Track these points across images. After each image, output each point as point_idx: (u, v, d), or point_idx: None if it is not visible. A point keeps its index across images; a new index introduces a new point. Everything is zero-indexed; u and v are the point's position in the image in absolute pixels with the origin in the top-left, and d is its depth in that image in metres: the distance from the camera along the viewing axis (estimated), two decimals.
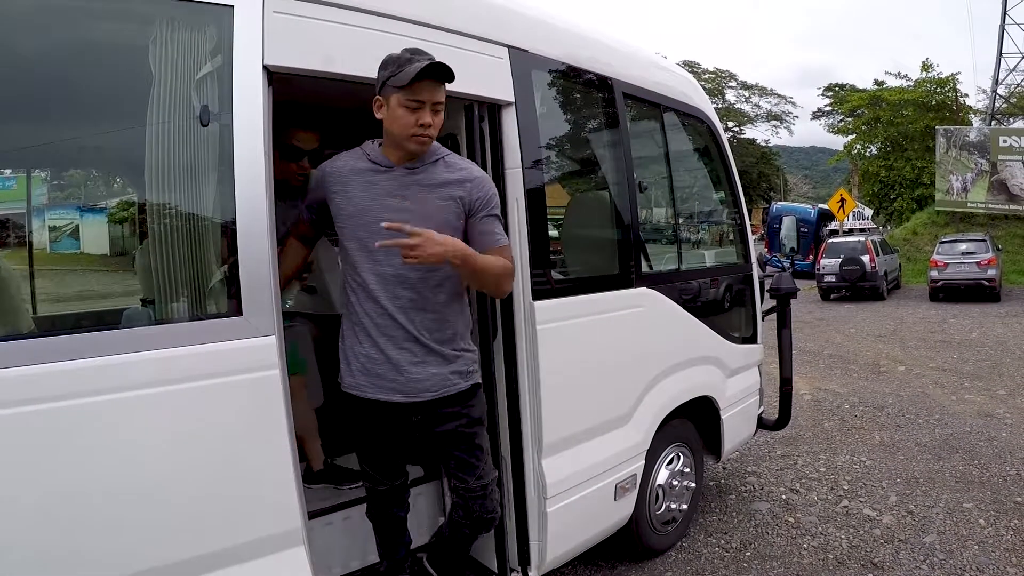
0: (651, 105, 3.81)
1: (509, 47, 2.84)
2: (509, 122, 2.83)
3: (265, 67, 2.10)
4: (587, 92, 3.49)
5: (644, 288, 3.44)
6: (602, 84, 3.38)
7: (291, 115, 2.96)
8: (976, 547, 3.97)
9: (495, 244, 2.35)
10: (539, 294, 2.87)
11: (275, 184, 3.00)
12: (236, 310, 2.01)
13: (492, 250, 2.33)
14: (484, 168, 2.84)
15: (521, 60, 2.88)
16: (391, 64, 2.15)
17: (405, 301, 2.26)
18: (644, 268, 3.49)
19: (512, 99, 2.82)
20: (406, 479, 2.66)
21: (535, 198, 2.89)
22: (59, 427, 1.74)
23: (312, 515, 2.80)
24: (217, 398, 1.96)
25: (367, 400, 2.33)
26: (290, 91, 2.54)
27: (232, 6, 2.06)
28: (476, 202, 2.32)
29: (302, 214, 2.53)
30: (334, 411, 3.37)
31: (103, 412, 1.80)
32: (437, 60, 2.12)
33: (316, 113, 3.12)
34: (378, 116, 2.23)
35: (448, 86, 2.64)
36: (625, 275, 3.37)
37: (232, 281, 2.02)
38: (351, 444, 2.56)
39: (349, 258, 2.31)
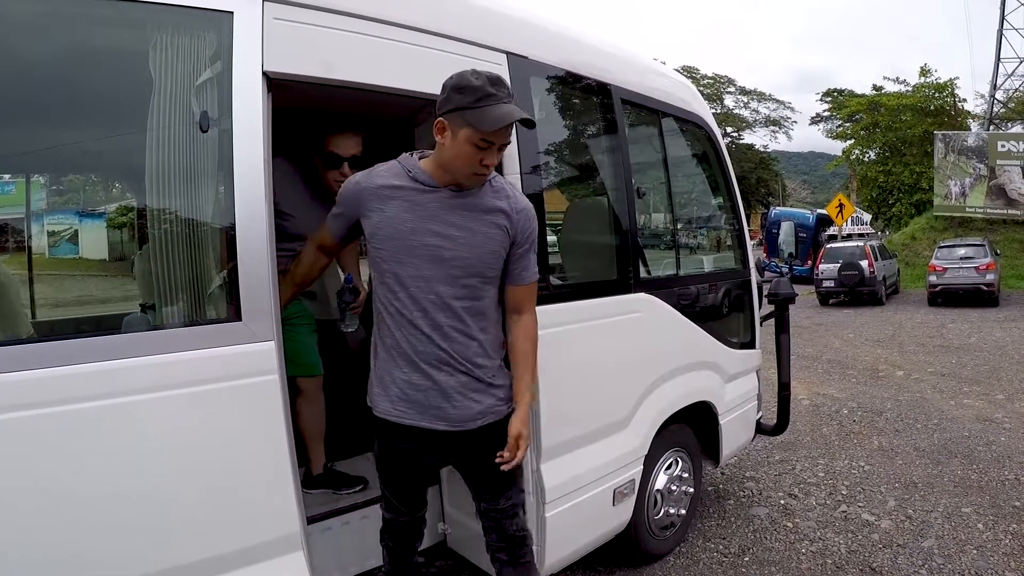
0: (649, 111, 3.82)
1: (507, 53, 2.85)
2: None
3: (264, 73, 2.11)
4: (585, 98, 3.50)
5: (642, 293, 3.44)
6: (600, 90, 3.40)
7: (328, 122, 3.04)
8: (975, 551, 3.98)
9: (528, 281, 2.30)
10: (538, 299, 2.87)
11: (319, 192, 3.10)
12: (235, 315, 2.02)
13: (522, 287, 2.29)
14: None
15: (519, 66, 2.89)
16: (467, 92, 1.98)
17: (448, 328, 2.14)
18: (642, 273, 3.49)
19: None
20: (426, 509, 2.53)
21: (534, 204, 2.85)
22: (58, 432, 1.74)
23: (311, 520, 2.81)
24: (216, 403, 1.97)
25: (405, 427, 2.20)
26: (322, 97, 2.58)
27: (232, 12, 2.07)
28: (521, 234, 2.23)
29: (328, 225, 2.33)
30: (333, 415, 3.38)
31: (102, 417, 1.80)
32: (515, 104, 2.01)
33: (354, 117, 3.09)
34: (438, 139, 2.06)
35: None
36: (623, 280, 3.38)
37: (231, 286, 2.03)
38: (379, 472, 2.40)
39: (384, 281, 2.15)
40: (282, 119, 3.13)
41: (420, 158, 2.17)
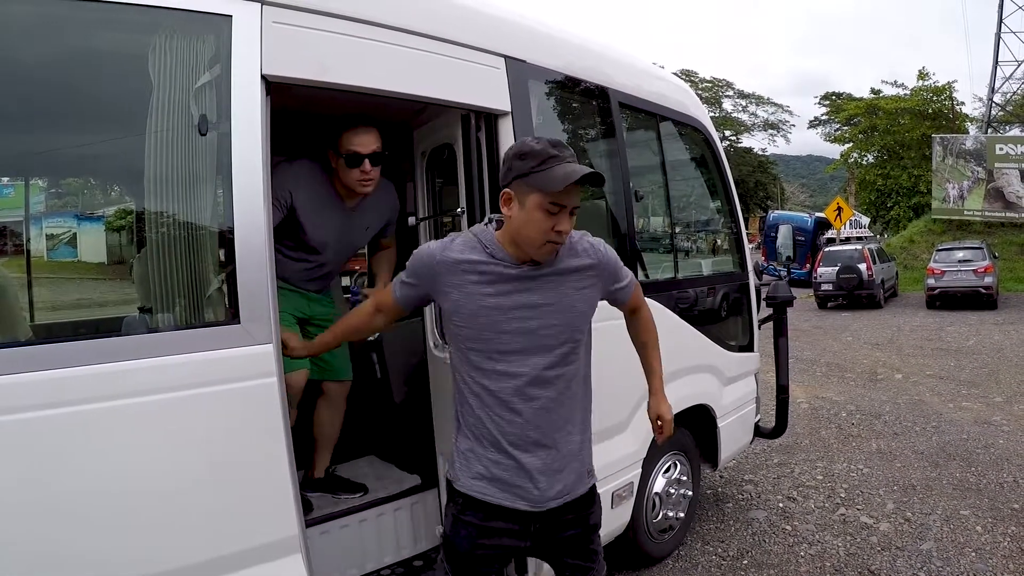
0: (647, 114, 3.83)
1: (505, 57, 2.86)
2: (506, 131, 2.84)
3: (263, 76, 2.12)
4: (583, 101, 3.51)
5: None
6: (598, 93, 3.40)
7: (341, 120, 2.95)
8: (973, 554, 3.98)
9: (630, 296, 2.26)
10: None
11: (336, 194, 3.04)
12: (234, 318, 2.02)
13: (631, 300, 2.27)
14: (480, 178, 2.86)
15: (517, 70, 2.90)
16: (530, 157, 1.87)
17: (542, 401, 2.00)
18: (640, 277, 3.50)
19: (509, 108, 2.84)
20: None
21: None
22: (57, 434, 1.74)
23: (310, 523, 2.81)
24: (214, 405, 1.97)
25: (485, 503, 2.05)
26: (320, 99, 2.58)
27: (231, 16, 2.07)
28: (612, 275, 2.15)
29: (396, 292, 2.14)
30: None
31: (100, 419, 1.80)
32: (580, 163, 1.91)
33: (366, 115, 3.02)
34: (505, 211, 1.93)
35: (445, 96, 2.67)
36: None
37: (230, 289, 2.03)
38: (446, 548, 2.22)
39: (469, 359, 2.01)
40: (297, 121, 3.14)
41: (497, 227, 2.02)
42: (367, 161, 2.92)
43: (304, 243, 3.08)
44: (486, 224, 2.05)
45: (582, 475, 2.12)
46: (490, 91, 2.80)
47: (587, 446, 2.16)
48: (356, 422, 3.62)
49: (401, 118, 3.28)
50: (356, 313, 2.35)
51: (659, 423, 2.37)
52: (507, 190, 1.91)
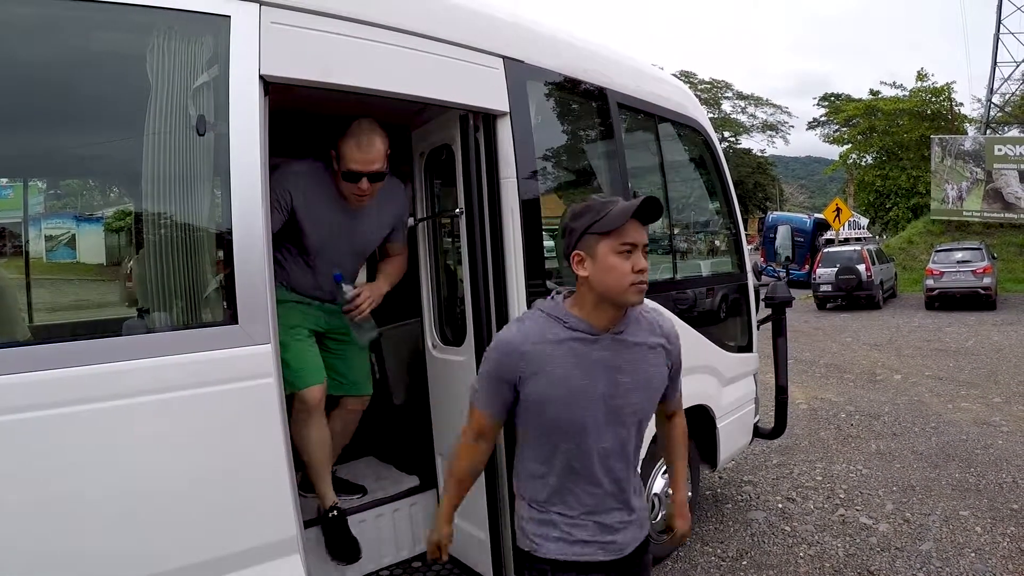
0: (646, 115, 3.83)
1: (504, 57, 2.86)
2: (504, 132, 2.84)
3: (261, 77, 2.12)
4: (582, 102, 3.51)
5: None
6: (597, 94, 3.40)
7: (347, 123, 2.85)
8: (973, 554, 3.98)
9: (676, 397, 2.21)
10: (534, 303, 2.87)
11: (339, 195, 2.95)
12: (232, 319, 2.02)
13: (676, 399, 2.21)
14: (479, 178, 2.86)
15: (516, 70, 2.90)
16: (586, 213, 1.86)
17: (617, 474, 1.99)
18: None
19: (507, 109, 2.84)
20: None
21: (530, 207, 2.90)
22: (55, 434, 1.74)
23: (308, 524, 2.80)
24: (213, 406, 1.96)
25: (578, 562, 2.01)
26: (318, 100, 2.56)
27: (229, 16, 2.08)
28: (676, 360, 2.10)
29: (483, 410, 1.98)
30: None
31: (98, 419, 1.80)
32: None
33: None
34: (581, 274, 1.87)
35: (443, 96, 2.66)
36: None
37: (228, 290, 2.03)
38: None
39: (550, 439, 1.93)
40: (298, 121, 3.13)
41: (564, 299, 1.96)
42: (365, 180, 2.85)
43: (308, 247, 3.02)
44: (551, 299, 1.97)
45: (642, 522, 2.11)
46: (488, 92, 2.80)
47: (642, 499, 2.15)
48: (358, 425, 3.62)
49: (400, 119, 3.28)
50: (458, 457, 2.09)
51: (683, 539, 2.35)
52: (576, 252, 1.87)
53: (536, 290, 2.89)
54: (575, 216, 1.89)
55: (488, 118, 2.84)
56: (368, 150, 2.80)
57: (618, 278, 1.82)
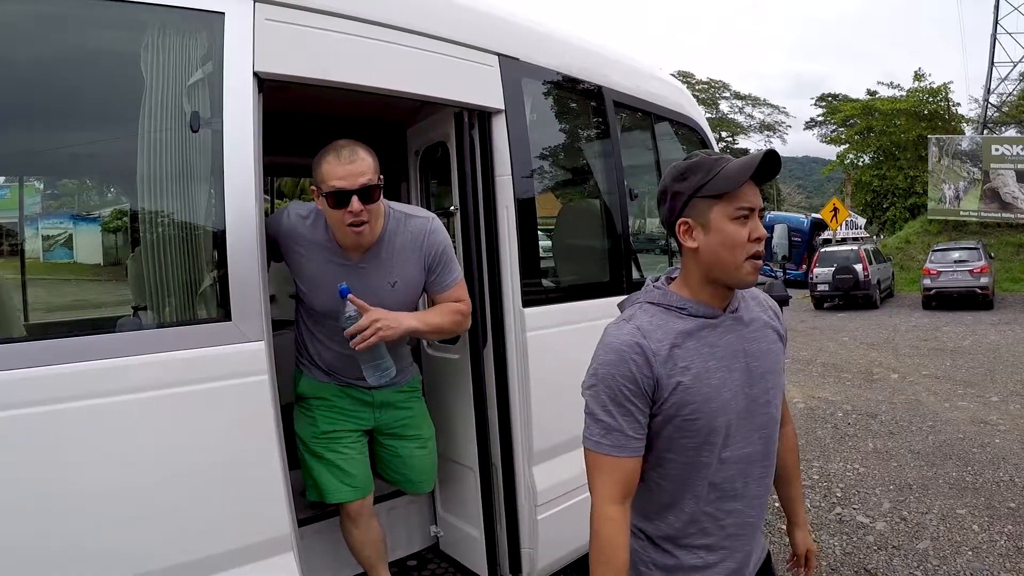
0: (642, 113, 3.83)
1: (499, 55, 2.85)
2: (499, 130, 2.84)
3: (255, 74, 2.11)
4: (577, 100, 3.50)
5: None
6: (593, 92, 3.40)
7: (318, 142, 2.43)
8: (970, 553, 3.98)
9: (787, 404, 1.90)
10: (529, 301, 2.87)
11: (335, 244, 2.44)
12: (225, 315, 2.01)
13: (785, 404, 1.87)
14: (474, 176, 2.85)
15: (511, 68, 2.90)
16: (697, 171, 1.57)
17: (760, 478, 1.68)
18: (635, 275, 3.49)
19: (502, 107, 2.83)
20: None
21: (525, 205, 2.89)
22: (46, 431, 1.73)
23: (304, 522, 2.80)
24: (205, 402, 1.95)
25: None
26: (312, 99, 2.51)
27: (223, 13, 2.07)
28: (785, 340, 1.81)
29: (614, 453, 1.55)
30: None
31: (90, 416, 1.79)
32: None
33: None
34: (689, 245, 1.58)
35: (438, 94, 2.66)
36: (616, 282, 3.38)
37: (221, 286, 2.02)
38: None
39: (685, 453, 1.59)
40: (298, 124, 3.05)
41: (668, 282, 1.68)
42: (355, 199, 2.27)
43: (318, 316, 2.57)
44: (654, 287, 1.67)
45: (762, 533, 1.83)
46: (483, 89, 2.80)
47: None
48: None
49: (395, 117, 3.27)
50: (615, 544, 1.56)
51: (806, 560, 2.00)
52: (683, 220, 1.58)
53: (530, 286, 2.88)
54: (679, 176, 1.59)
55: (483, 116, 2.83)
56: (351, 161, 2.28)
57: (734, 249, 1.54)
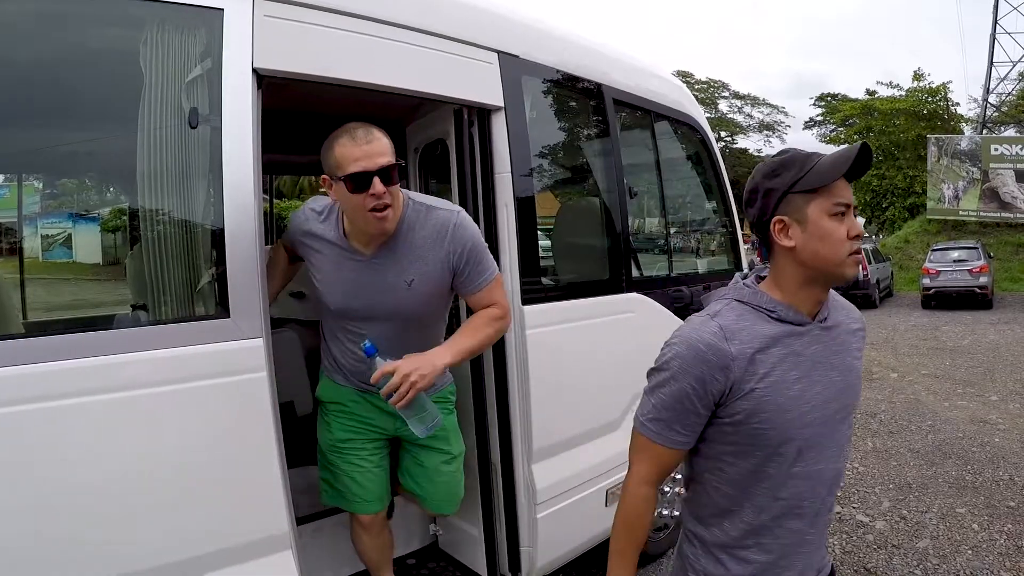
0: (642, 112, 3.82)
1: (499, 52, 2.84)
2: (499, 127, 2.83)
3: (255, 70, 2.10)
4: (577, 98, 3.50)
5: (635, 293, 3.44)
6: (592, 90, 3.39)
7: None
8: (970, 552, 3.97)
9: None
10: (529, 299, 2.86)
11: (346, 240, 2.32)
12: (224, 312, 2.01)
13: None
14: (473, 173, 2.85)
15: (511, 65, 2.89)
16: (790, 167, 1.51)
17: (829, 499, 1.63)
18: (635, 273, 3.49)
19: (501, 104, 2.82)
20: None
21: (525, 203, 2.89)
22: (43, 427, 1.73)
23: (302, 520, 2.79)
24: (203, 400, 1.95)
25: None
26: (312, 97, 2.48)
27: (222, 9, 2.06)
28: (863, 348, 1.73)
29: (659, 444, 1.55)
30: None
31: (88, 413, 1.78)
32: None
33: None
34: (785, 244, 1.51)
35: (438, 91, 2.65)
36: (615, 280, 3.37)
37: (220, 283, 2.01)
38: None
39: (750, 461, 1.53)
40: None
41: (757, 281, 1.62)
42: (377, 180, 2.10)
43: (335, 313, 2.44)
44: (743, 284, 1.61)
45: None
46: (483, 86, 2.79)
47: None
48: None
49: (394, 115, 3.27)
50: (641, 517, 1.60)
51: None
52: (778, 218, 1.52)
53: (530, 284, 2.88)
54: (771, 173, 1.54)
55: (483, 113, 2.82)
56: (368, 142, 2.13)
57: (834, 245, 1.47)
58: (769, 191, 1.53)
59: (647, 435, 1.55)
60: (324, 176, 2.20)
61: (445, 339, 2.44)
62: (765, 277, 1.60)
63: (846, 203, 1.48)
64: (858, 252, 1.50)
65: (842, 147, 1.49)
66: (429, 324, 2.51)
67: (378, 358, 2.15)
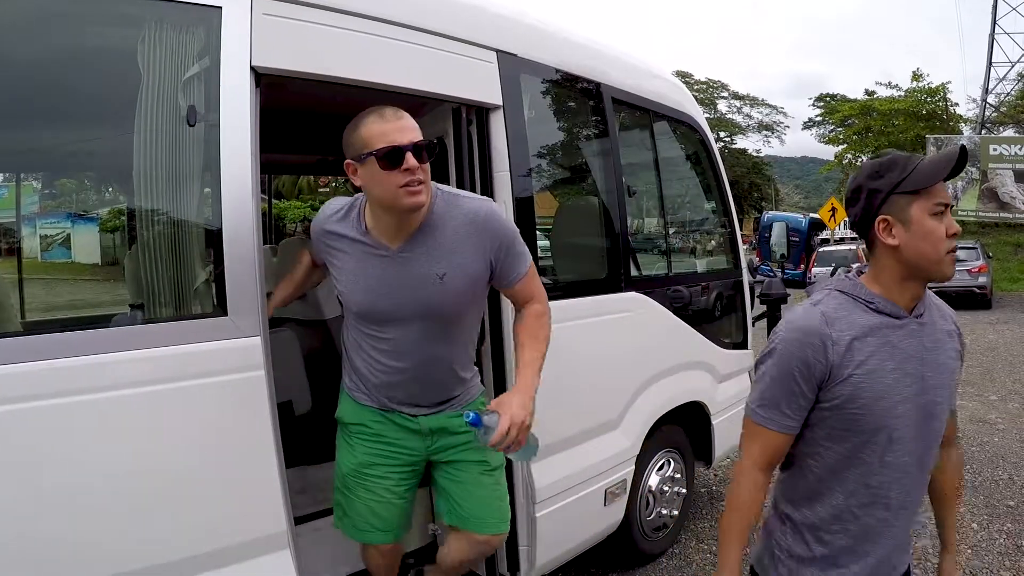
0: (641, 111, 3.82)
1: (497, 51, 2.84)
2: (497, 126, 2.83)
3: (253, 68, 2.10)
4: (576, 97, 3.50)
5: (633, 293, 3.44)
6: (591, 89, 3.39)
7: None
8: (969, 551, 3.97)
9: (955, 422, 1.86)
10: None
11: (368, 234, 2.16)
12: (221, 311, 2.00)
13: (953, 422, 1.84)
14: (472, 171, 2.84)
15: (509, 64, 2.89)
16: (893, 168, 1.58)
17: (917, 492, 1.69)
18: (633, 272, 3.49)
19: (500, 103, 2.82)
20: None
21: (523, 202, 2.88)
22: (41, 426, 1.73)
23: (301, 520, 2.78)
24: (201, 398, 1.95)
25: None
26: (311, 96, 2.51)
27: (220, 7, 2.06)
28: (963, 353, 1.77)
29: (771, 429, 1.63)
30: (320, 419, 3.35)
31: (86, 411, 1.78)
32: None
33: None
34: (889, 243, 1.57)
35: (436, 89, 2.65)
36: (614, 279, 3.37)
37: (217, 281, 2.01)
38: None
39: (844, 447, 1.61)
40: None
41: (858, 275, 1.69)
42: (410, 155, 1.97)
43: (360, 316, 2.26)
44: (847, 277, 1.69)
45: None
46: (481, 85, 2.79)
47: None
48: None
49: None
50: (754, 502, 1.69)
51: None
52: (883, 217, 1.58)
53: None
54: (875, 174, 1.60)
55: (481, 111, 2.82)
56: (399, 119, 2.01)
57: (936, 244, 1.55)
58: (873, 191, 1.59)
59: (758, 421, 1.64)
60: (348, 161, 2.06)
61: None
62: (865, 272, 1.68)
63: (945, 203, 1.55)
64: (955, 249, 1.58)
65: (948, 151, 1.55)
66: (460, 330, 2.32)
67: (484, 418, 2.00)
